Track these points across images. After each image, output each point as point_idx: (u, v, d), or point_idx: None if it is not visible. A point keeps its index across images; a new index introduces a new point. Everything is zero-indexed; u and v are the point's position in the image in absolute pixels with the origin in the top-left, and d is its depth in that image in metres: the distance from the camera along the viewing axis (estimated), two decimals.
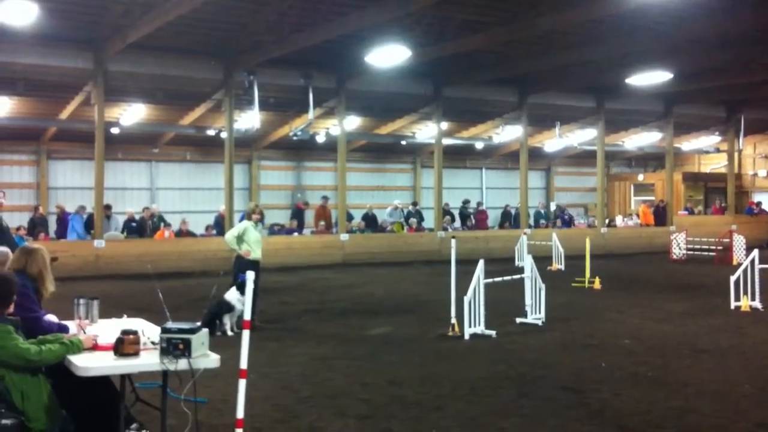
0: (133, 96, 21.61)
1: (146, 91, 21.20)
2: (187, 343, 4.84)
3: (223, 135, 21.39)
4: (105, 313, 6.49)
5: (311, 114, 21.72)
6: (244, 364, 4.95)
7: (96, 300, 6.28)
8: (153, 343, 5.08)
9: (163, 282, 15.70)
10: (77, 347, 4.98)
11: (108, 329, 5.64)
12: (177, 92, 21.59)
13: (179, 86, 20.91)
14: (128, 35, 17.04)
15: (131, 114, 22.77)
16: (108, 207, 20.65)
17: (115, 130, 22.45)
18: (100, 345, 5.15)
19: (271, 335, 10.71)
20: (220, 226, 21.28)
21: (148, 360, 4.91)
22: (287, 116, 24.09)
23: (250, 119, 21.32)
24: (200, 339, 4.98)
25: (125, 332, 4.96)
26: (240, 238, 11.87)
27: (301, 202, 25.33)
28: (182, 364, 4.83)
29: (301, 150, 27.86)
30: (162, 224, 21.22)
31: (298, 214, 24.12)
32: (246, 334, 5.02)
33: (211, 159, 25.87)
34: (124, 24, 16.99)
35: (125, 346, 4.90)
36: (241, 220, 21.04)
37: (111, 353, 4.94)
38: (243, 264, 11.38)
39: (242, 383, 4.95)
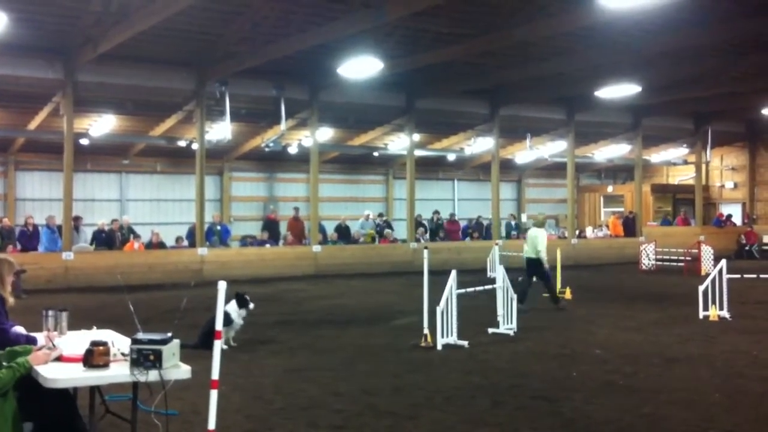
0: (103, 106, 21.42)
1: (116, 101, 21.03)
2: (158, 354, 4.79)
3: (195, 146, 21.27)
4: (74, 326, 6.39)
5: (283, 125, 21.68)
6: (215, 374, 4.91)
7: (65, 312, 6.19)
8: (123, 354, 5.02)
9: (134, 294, 15.55)
10: (24, 368, 4.86)
11: (77, 341, 5.56)
12: (148, 103, 21.45)
13: (150, 97, 20.76)
14: (99, 45, 16.89)
15: (101, 125, 22.56)
16: (77, 219, 20.42)
17: (84, 141, 22.25)
18: (68, 356, 5.06)
19: (243, 347, 10.62)
20: (192, 236, 21.13)
21: (118, 371, 4.85)
22: (259, 127, 24.05)
23: (221, 130, 21.21)
24: (171, 350, 4.93)
25: (95, 343, 4.90)
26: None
27: (273, 213, 25.22)
28: (153, 375, 4.77)
29: (274, 161, 27.80)
30: (131, 236, 21.00)
31: (269, 225, 24.01)
32: (218, 344, 4.97)
33: (182, 170, 25.72)
34: (95, 34, 16.85)
35: (95, 357, 4.84)
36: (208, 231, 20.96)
37: (80, 365, 4.86)
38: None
39: (213, 394, 4.90)
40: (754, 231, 30.41)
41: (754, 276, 15.03)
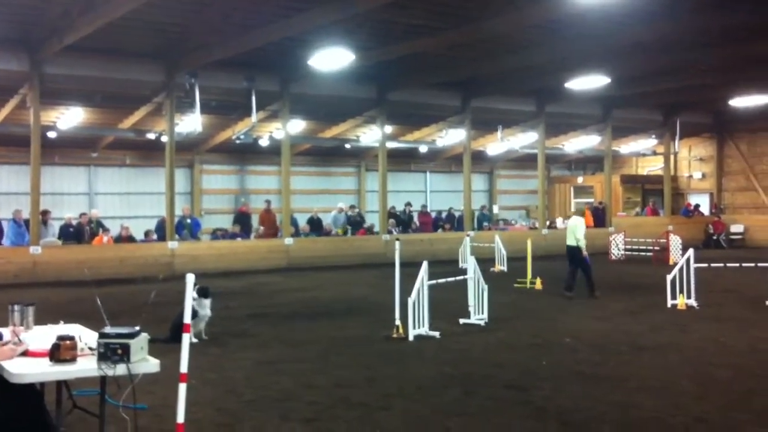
0: (71, 99, 21.11)
1: (84, 93, 20.75)
2: (126, 348, 4.74)
3: (164, 139, 21.07)
4: (42, 320, 6.31)
5: (254, 117, 21.54)
6: (184, 368, 4.86)
7: (31, 306, 6.11)
8: (90, 348, 4.96)
9: (103, 288, 15.43)
10: None
11: (44, 336, 5.48)
12: (116, 95, 21.20)
13: (118, 89, 20.50)
14: (66, 36, 16.61)
15: (69, 117, 22.25)
16: (45, 212, 20.14)
17: (51, 134, 21.94)
18: (34, 351, 4.99)
19: (215, 340, 10.56)
20: (162, 230, 20.95)
21: (86, 366, 4.78)
22: (230, 120, 23.87)
23: (191, 123, 21.02)
24: (139, 344, 4.89)
25: (61, 338, 4.83)
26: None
27: (244, 206, 25.08)
28: (121, 369, 4.72)
29: (245, 154, 27.63)
30: (100, 230, 20.76)
31: (241, 218, 23.87)
32: (186, 337, 4.93)
33: (152, 163, 25.47)
34: (62, 25, 16.57)
35: (61, 351, 4.77)
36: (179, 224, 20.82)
37: (46, 359, 4.80)
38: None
39: (182, 387, 4.86)
40: (722, 221, 30.86)
41: (721, 265, 15.27)
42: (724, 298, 14.58)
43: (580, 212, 16.22)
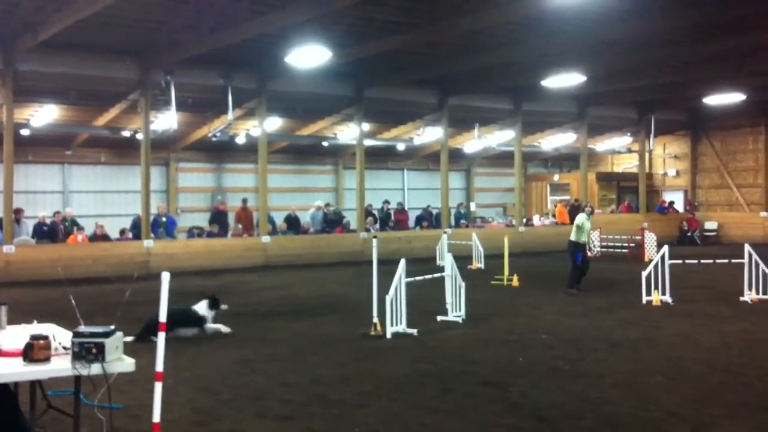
0: (45, 96, 20.87)
1: (58, 91, 20.52)
2: (101, 347, 4.71)
3: (139, 136, 20.90)
4: (15, 320, 6.24)
5: (231, 115, 21.43)
6: (159, 366, 4.84)
7: (4, 306, 6.04)
8: (65, 348, 4.92)
9: (78, 288, 15.29)
10: None
11: (17, 335, 5.42)
12: (91, 92, 20.98)
13: (93, 86, 20.31)
14: (39, 33, 16.43)
15: (43, 115, 21.99)
16: (19, 211, 19.88)
17: (25, 132, 21.68)
18: (7, 351, 4.94)
19: (190, 339, 10.51)
20: (138, 228, 20.79)
21: (60, 365, 4.75)
22: (206, 117, 23.73)
23: (167, 120, 20.87)
24: (114, 343, 4.85)
25: (35, 337, 4.79)
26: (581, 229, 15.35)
27: (221, 204, 24.94)
28: (96, 368, 4.69)
29: (221, 151, 27.49)
30: (75, 228, 20.54)
31: (217, 216, 23.74)
32: (161, 336, 4.90)
33: (127, 161, 25.25)
34: (36, 21, 16.37)
35: (35, 351, 4.73)
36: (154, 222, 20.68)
37: (20, 359, 4.75)
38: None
39: (158, 386, 4.84)
40: (696, 217, 31.21)
41: (695, 261, 15.44)
42: (699, 294, 14.75)
43: (585, 210, 16.41)
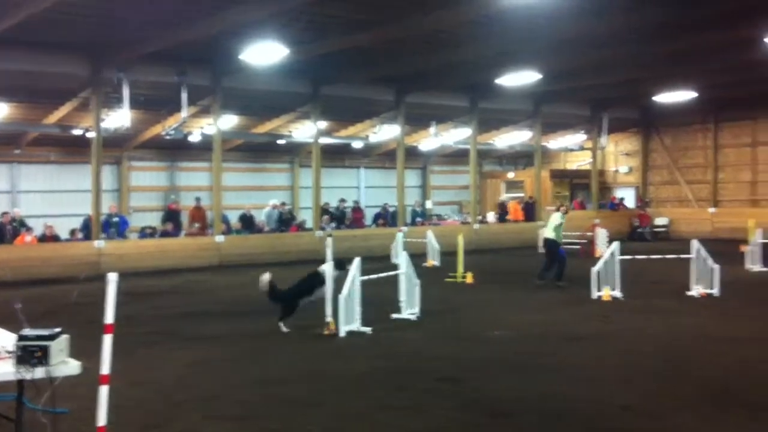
0: None
1: (6, 88, 19.99)
2: (45, 350, 4.60)
3: (91, 134, 20.50)
4: None
5: (185, 112, 21.15)
6: (105, 369, 4.74)
7: None
8: (8, 351, 4.80)
9: (28, 289, 14.97)
10: None
11: None
12: (41, 90, 20.50)
13: (43, 83, 19.81)
14: None
15: None
16: None
17: None
18: None
19: (142, 341, 10.34)
20: (88, 229, 20.41)
21: (2, 369, 4.62)
22: (160, 115, 23.36)
23: (119, 118, 20.49)
24: (59, 345, 4.74)
25: None
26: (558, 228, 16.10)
27: (174, 203, 24.61)
28: (40, 372, 4.58)
29: (175, 150, 27.12)
30: (23, 229, 20.07)
31: (171, 216, 23.42)
32: (108, 338, 4.81)
33: (78, 160, 24.73)
34: None
35: None
36: (105, 222, 20.27)
37: None
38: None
39: (104, 389, 4.74)
40: (647, 213, 31.77)
41: (645, 257, 15.71)
42: (649, 289, 15.00)
43: (559, 208, 17.35)
